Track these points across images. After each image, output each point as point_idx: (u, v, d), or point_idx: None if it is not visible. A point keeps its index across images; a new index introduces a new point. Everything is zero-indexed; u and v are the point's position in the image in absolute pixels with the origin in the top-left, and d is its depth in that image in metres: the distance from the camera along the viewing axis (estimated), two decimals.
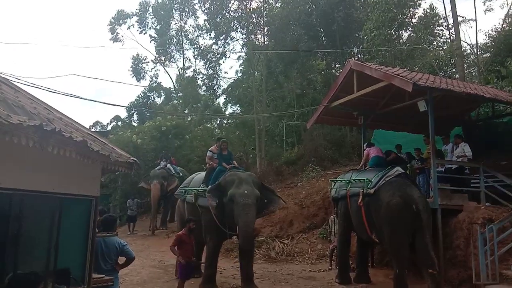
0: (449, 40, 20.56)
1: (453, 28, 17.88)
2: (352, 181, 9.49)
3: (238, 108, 29.49)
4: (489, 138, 12.84)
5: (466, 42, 20.01)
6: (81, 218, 4.55)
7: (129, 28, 30.42)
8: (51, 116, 4.07)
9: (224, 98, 30.76)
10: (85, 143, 3.59)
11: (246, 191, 8.12)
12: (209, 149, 9.97)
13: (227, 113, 30.52)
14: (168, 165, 16.86)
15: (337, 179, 10.66)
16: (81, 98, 18.32)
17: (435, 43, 21.98)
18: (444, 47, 21.17)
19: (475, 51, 19.15)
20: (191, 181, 10.17)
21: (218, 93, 29.82)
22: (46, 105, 4.58)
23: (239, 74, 29.20)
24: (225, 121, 31.14)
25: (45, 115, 3.88)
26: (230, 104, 30.93)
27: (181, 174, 17.14)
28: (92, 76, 31.73)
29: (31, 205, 3.73)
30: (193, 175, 10.79)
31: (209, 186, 8.68)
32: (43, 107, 4.35)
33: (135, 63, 31.81)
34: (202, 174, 10.08)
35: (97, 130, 28.88)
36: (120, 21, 30.05)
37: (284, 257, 11.72)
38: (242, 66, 28.69)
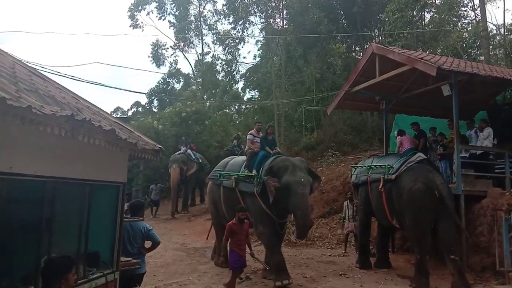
0: (474, 22, 19.92)
1: (478, 8, 17.29)
2: (373, 167, 9.45)
3: (257, 93, 29.45)
4: None
5: (492, 23, 19.38)
6: (109, 204, 4.71)
7: (148, 14, 30.59)
8: (80, 105, 4.18)
9: (243, 83, 30.78)
10: (114, 132, 3.69)
11: (302, 179, 7.75)
12: (249, 132, 9.56)
13: (245, 98, 30.55)
14: (188, 151, 17.10)
15: (358, 165, 10.62)
16: (105, 86, 18.55)
17: (459, 24, 21.33)
18: (469, 29, 20.53)
19: (502, 32, 18.51)
20: (226, 165, 9.66)
21: (236, 79, 29.85)
22: (74, 94, 4.70)
23: (257, 59, 29.09)
24: (243, 107, 31.19)
25: (74, 104, 3.99)
26: (248, 90, 30.92)
27: (200, 161, 17.38)
28: (113, 63, 32.07)
29: (63, 191, 3.87)
30: (226, 159, 10.31)
31: (263, 171, 8.17)
32: (71, 97, 4.47)
33: (155, 49, 31.99)
34: (239, 158, 9.81)
35: (118, 116, 29.35)
36: (140, 7, 30.17)
37: (304, 241, 11.81)
38: (261, 51, 28.53)
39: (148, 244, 5.83)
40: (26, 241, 3.79)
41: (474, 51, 19.90)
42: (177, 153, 16.88)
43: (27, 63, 5.06)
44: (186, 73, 34.36)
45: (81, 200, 4.14)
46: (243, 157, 9.46)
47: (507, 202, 8.33)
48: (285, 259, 8.30)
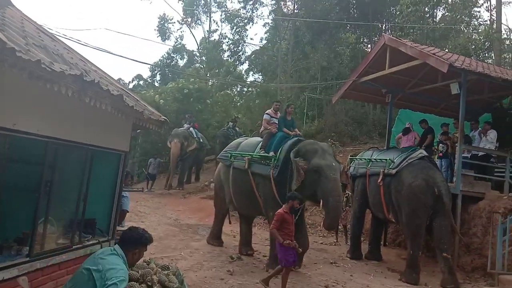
0: (487, 22, 19.67)
1: (495, 9, 17.05)
2: (373, 160, 9.40)
3: (260, 77, 29.19)
4: None
5: (505, 25, 19.15)
6: (110, 172, 4.64)
7: None
8: (87, 68, 4.07)
9: (248, 66, 30.47)
10: (121, 97, 3.59)
11: (333, 164, 7.24)
12: (266, 112, 8.95)
13: (248, 81, 30.30)
14: (191, 129, 17.01)
15: (357, 157, 10.57)
16: (111, 53, 18.34)
17: (471, 24, 21.08)
18: (479, 30, 20.30)
19: None
20: (238, 146, 9.02)
21: (242, 60, 29.52)
22: (81, 56, 4.58)
23: (264, 42, 28.75)
24: (245, 89, 30.94)
25: (82, 66, 3.88)
26: (252, 72, 30.64)
27: (201, 140, 17.30)
28: (121, 31, 31.56)
29: (64, 154, 3.80)
30: (239, 139, 9.77)
31: (281, 152, 7.66)
32: (79, 58, 4.35)
33: (161, 22, 31.52)
34: (253, 139, 9.22)
35: None
36: None
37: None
38: (268, 34, 28.17)
39: None
40: (23, 202, 3.73)
41: (483, 53, 19.73)
42: (179, 128, 16.81)
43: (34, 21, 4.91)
44: (191, 50, 33.99)
45: (82, 165, 4.07)
46: (258, 138, 8.89)
47: (504, 205, 8.33)
48: None
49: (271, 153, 7.86)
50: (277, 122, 8.59)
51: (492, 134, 9.54)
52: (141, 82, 33.22)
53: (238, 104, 27.82)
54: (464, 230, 8.59)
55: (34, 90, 3.04)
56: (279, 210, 6.22)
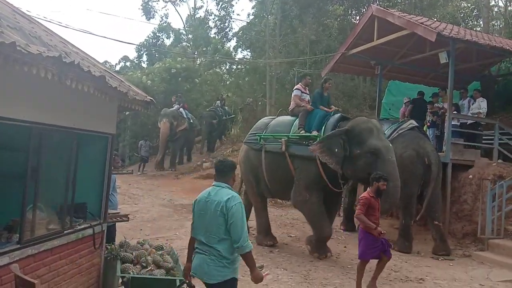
0: None
1: None
2: None
3: (249, 53, 28.80)
4: (508, 94, 12.56)
5: None
6: (98, 155, 4.58)
7: None
8: (67, 49, 3.95)
9: (235, 42, 30.00)
10: (103, 78, 3.50)
11: (390, 145, 6.80)
12: (295, 87, 8.28)
13: (237, 58, 29.89)
14: (181, 109, 16.86)
15: None
16: (93, 34, 17.79)
17: None
18: None
19: (503, 2, 18.21)
20: (265, 126, 8.18)
21: (229, 36, 29.02)
22: (61, 38, 4.44)
23: (251, 17, 28.21)
24: (234, 66, 30.58)
25: (61, 48, 3.76)
26: (240, 49, 30.18)
27: (191, 121, 17.18)
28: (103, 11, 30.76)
29: (49, 139, 3.72)
30: (264, 119, 8.81)
31: (325, 131, 7.07)
32: (59, 40, 4.21)
33: (145, 1, 30.74)
34: (284, 118, 8.39)
35: None
36: None
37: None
38: (255, 9, 27.62)
39: None
40: (11, 190, 3.68)
41: (472, 21, 19.62)
42: (169, 109, 16.66)
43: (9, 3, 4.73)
44: (177, 28, 33.34)
45: (68, 149, 4.00)
46: (288, 117, 8.18)
47: (493, 172, 8.45)
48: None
49: (314, 132, 7.23)
50: (308, 99, 8.02)
51: (483, 103, 9.57)
52: (128, 64, 32.66)
53: (228, 82, 27.54)
54: (455, 197, 8.73)
55: (12, 74, 2.93)
56: (363, 194, 5.49)
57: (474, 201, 8.40)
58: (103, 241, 4.47)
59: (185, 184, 13.90)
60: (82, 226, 4.15)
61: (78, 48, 4.58)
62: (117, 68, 32.05)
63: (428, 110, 9.97)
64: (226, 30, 27.77)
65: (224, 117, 18.42)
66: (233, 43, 30.38)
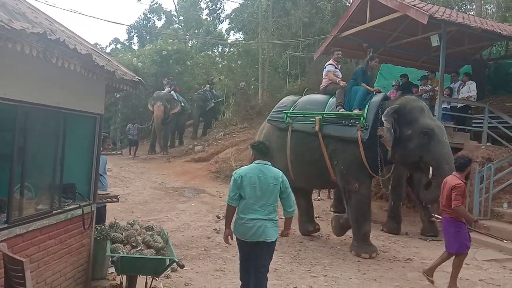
0: None
1: None
2: None
3: (241, 36, 28.51)
4: (498, 78, 12.63)
5: None
6: (86, 136, 4.54)
7: None
8: (53, 27, 3.87)
9: (228, 24, 29.67)
10: (90, 56, 3.44)
11: (442, 125, 6.41)
12: (328, 63, 7.56)
13: (229, 41, 29.57)
14: (172, 92, 16.73)
15: None
16: (82, 14, 17.58)
17: None
18: None
19: None
20: (292, 104, 7.44)
21: (221, 18, 28.68)
22: (47, 16, 4.34)
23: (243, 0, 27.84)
24: (227, 49, 30.28)
25: (47, 25, 3.68)
26: (233, 32, 29.86)
27: (182, 104, 17.06)
28: None
29: (36, 119, 3.68)
30: (289, 97, 8.11)
31: (369, 110, 6.47)
32: (44, 18, 4.12)
33: None
34: (315, 96, 7.66)
35: None
36: None
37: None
38: None
39: None
40: None
41: (465, 4, 19.54)
42: (161, 91, 16.53)
43: None
44: (168, 10, 32.85)
45: (55, 129, 3.95)
46: (319, 95, 7.51)
47: (482, 155, 8.56)
48: None
49: (356, 111, 6.60)
50: (340, 76, 7.44)
51: (472, 85, 9.63)
52: (118, 46, 32.23)
53: (220, 65, 27.31)
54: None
55: None
56: (458, 181, 4.88)
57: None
58: (92, 222, 4.47)
59: (177, 168, 13.91)
60: (71, 207, 4.13)
61: (65, 27, 4.48)
62: (108, 50, 31.57)
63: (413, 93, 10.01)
64: (218, 12, 27.43)
65: (213, 100, 18.34)
66: (225, 25, 30.07)
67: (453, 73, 10.69)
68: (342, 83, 7.04)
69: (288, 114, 7.17)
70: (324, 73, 7.53)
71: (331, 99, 7.10)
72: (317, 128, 6.66)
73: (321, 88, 7.57)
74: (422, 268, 5.32)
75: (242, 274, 4.28)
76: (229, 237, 4.20)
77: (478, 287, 5.29)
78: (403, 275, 5.62)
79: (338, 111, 6.77)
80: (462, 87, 9.81)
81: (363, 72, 7.15)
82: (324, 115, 6.78)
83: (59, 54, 3.18)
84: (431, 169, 5.93)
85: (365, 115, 6.44)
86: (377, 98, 6.70)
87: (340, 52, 7.70)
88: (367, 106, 6.58)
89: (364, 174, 6.49)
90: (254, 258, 4.09)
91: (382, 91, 7.27)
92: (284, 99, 7.96)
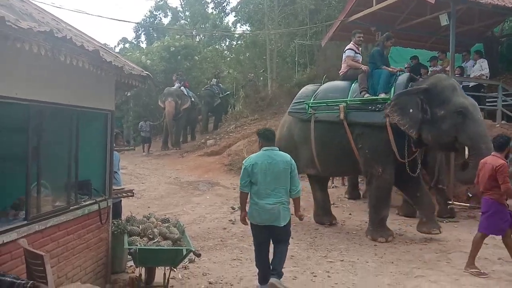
0: None
1: None
2: None
3: (248, 28, 28.39)
4: (511, 55, 12.37)
5: None
6: (99, 132, 4.61)
7: None
8: (60, 26, 3.92)
9: (234, 17, 29.57)
10: (97, 52, 3.48)
11: (476, 103, 6.11)
12: (347, 47, 7.28)
13: (236, 32, 29.47)
14: (182, 88, 16.80)
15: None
16: (88, 14, 17.76)
17: None
18: None
19: None
20: (313, 94, 7.20)
21: (227, 11, 28.59)
22: (53, 16, 4.40)
23: None
24: (234, 42, 30.22)
25: (54, 25, 3.73)
26: (239, 24, 29.75)
27: (193, 99, 17.12)
28: None
29: (49, 118, 3.74)
30: (308, 86, 7.76)
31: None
32: (51, 18, 4.17)
33: None
34: (336, 83, 7.39)
35: None
36: None
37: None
38: None
39: None
40: (15, 171, 3.71)
41: None
42: (171, 88, 16.61)
43: None
44: (174, 6, 32.88)
45: (68, 127, 4.02)
46: (341, 82, 7.25)
47: (497, 133, 8.38)
48: None
49: (381, 95, 6.42)
50: (360, 59, 7.26)
51: (484, 63, 9.46)
52: (127, 45, 32.42)
53: (228, 59, 27.29)
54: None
55: (5, 51, 2.93)
56: (500, 162, 4.71)
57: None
58: (109, 216, 4.55)
59: (190, 162, 14.01)
60: (88, 202, 4.21)
61: (72, 26, 4.54)
62: (117, 50, 31.81)
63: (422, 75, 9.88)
64: (223, 5, 27.33)
65: (221, 94, 18.35)
66: (231, 18, 29.98)
67: (464, 52, 10.50)
68: (364, 68, 6.80)
69: (310, 105, 6.99)
70: (343, 58, 7.31)
71: (353, 84, 6.90)
72: (342, 116, 6.50)
73: (340, 73, 7.37)
74: (464, 267, 5.05)
75: (258, 259, 4.40)
76: (246, 218, 4.44)
77: (497, 266, 5.23)
78: (420, 257, 5.60)
79: (363, 96, 6.58)
80: (474, 66, 9.64)
81: (380, 54, 6.94)
82: (348, 102, 6.61)
83: (67, 52, 3.23)
84: (466, 149, 5.77)
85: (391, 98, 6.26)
86: (402, 79, 6.50)
87: (361, 35, 7.38)
88: (392, 89, 6.41)
89: (388, 159, 6.35)
90: (273, 237, 4.34)
91: (405, 70, 7.05)
92: (303, 89, 7.75)
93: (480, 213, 5.14)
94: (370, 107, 6.44)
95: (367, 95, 6.57)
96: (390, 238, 6.34)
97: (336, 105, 6.65)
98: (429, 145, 6.34)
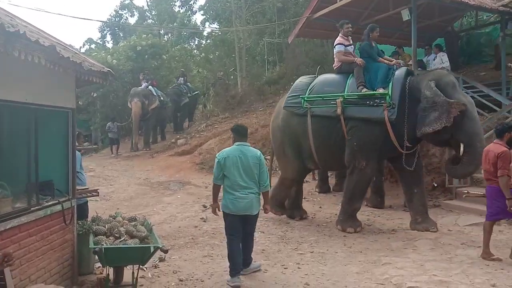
0: None
1: None
2: None
3: (217, 26, 28.28)
4: (471, 49, 12.85)
5: None
6: (59, 131, 4.47)
7: None
8: (14, 22, 3.78)
9: (202, 15, 29.37)
10: (54, 48, 3.38)
11: (473, 101, 6.19)
12: (337, 42, 7.05)
13: (205, 33, 29.31)
14: (150, 87, 16.52)
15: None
16: (48, 12, 17.20)
17: None
18: None
19: None
20: (307, 88, 7.05)
21: (194, 9, 28.37)
22: (7, 12, 4.23)
23: None
24: (203, 41, 30.02)
25: (7, 20, 3.59)
26: (208, 23, 29.61)
27: (162, 98, 16.88)
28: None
29: (6, 117, 3.61)
30: (302, 78, 7.52)
31: (393, 88, 6.22)
32: (4, 14, 4.01)
33: None
34: (328, 76, 7.27)
35: None
36: None
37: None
38: None
39: None
40: None
41: None
42: (138, 87, 16.30)
43: None
44: (141, 6, 32.35)
45: (26, 126, 3.88)
46: (338, 75, 7.05)
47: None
48: None
49: (380, 90, 6.35)
50: (353, 52, 7.13)
51: (444, 57, 9.78)
52: (93, 46, 31.59)
53: (197, 58, 27.10)
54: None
55: None
56: (502, 149, 4.81)
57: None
58: (73, 217, 4.42)
59: (161, 162, 13.82)
60: (50, 203, 4.08)
61: (27, 23, 4.38)
62: (82, 51, 31.01)
63: None
64: (190, 3, 27.08)
65: (189, 94, 18.19)
66: (199, 16, 29.79)
67: (426, 46, 10.82)
68: (359, 61, 6.66)
69: (306, 99, 6.87)
70: (334, 52, 7.17)
71: (349, 78, 6.79)
72: (339, 111, 6.44)
73: (334, 68, 7.22)
74: (478, 256, 5.09)
75: (231, 250, 4.56)
76: (217, 209, 4.76)
77: (460, 250, 5.43)
78: (387, 246, 5.74)
79: (360, 91, 6.50)
80: (435, 59, 9.96)
81: (370, 46, 6.83)
82: (345, 97, 6.53)
83: (21, 47, 3.13)
84: (462, 145, 5.89)
85: (390, 93, 6.24)
86: (400, 74, 6.45)
87: (350, 25, 7.17)
88: (390, 83, 6.36)
89: (374, 155, 6.47)
90: (244, 227, 4.63)
91: (401, 64, 7.05)
92: (297, 81, 7.53)
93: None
94: (368, 102, 6.38)
95: (365, 89, 6.50)
96: (359, 229, 6.48)
97: (333, 99, 6.58)
98: (424, 140, 6.45)
